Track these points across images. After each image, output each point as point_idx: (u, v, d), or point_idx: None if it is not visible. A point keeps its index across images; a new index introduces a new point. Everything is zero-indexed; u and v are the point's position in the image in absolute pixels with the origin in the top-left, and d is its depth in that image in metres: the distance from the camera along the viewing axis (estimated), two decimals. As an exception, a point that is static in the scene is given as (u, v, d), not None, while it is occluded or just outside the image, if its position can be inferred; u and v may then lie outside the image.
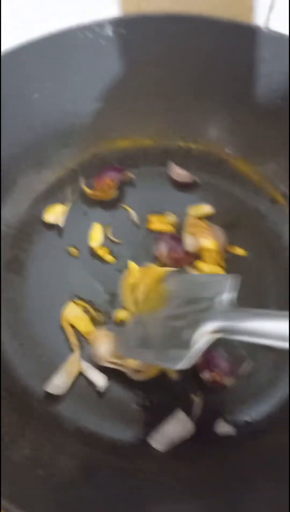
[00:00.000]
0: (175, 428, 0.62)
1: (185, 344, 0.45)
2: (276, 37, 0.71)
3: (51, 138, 0.78)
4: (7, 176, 0.74)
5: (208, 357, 0.61)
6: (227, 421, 0.62)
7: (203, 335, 0.45)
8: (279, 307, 0.71)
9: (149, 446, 0.60)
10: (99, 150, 0.83)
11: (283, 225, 0.78)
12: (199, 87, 0.80)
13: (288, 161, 0.78)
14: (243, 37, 0.73)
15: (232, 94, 0.79)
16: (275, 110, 0.77)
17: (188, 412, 0.62)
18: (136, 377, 0.63)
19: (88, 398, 0.63)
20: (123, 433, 0.62)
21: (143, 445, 0.60)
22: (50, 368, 0.65)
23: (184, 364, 0.45)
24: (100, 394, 0.63)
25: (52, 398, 0.63)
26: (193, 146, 0.84)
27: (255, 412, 0.63)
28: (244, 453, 0.57)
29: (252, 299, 0.71)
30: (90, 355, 0.65)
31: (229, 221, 0.77)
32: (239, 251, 0.75)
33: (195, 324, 0.45)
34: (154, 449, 0.60)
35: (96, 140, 0.82)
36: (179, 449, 0.59)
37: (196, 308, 0.49)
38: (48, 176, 0.79)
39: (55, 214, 0.75)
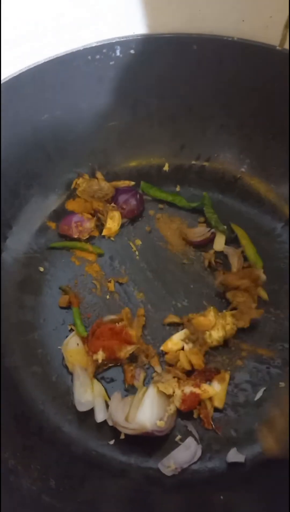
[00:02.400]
0: (185, 454, 0.61)
1: None
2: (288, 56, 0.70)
3: (61, 160, 0.79)
4: (14, 201, 0.75)
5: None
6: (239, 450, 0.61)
7: None
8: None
9: (157, 471, 0.60)
10: (112, 169, 0.83)
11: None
12: (212, 107, 0.79)
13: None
14: (257, 56, 0.72)
15: (246, 114, 0.78)
16: (288, 130, 0.75)
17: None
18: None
19: (94, 423, 0.63)
20: (132, 458, 0.61)
21: (151, 470, 0.60)
22: (62, 388, 0.65)
23: None
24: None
25: (60, 419, 0.63)
26: (206, 164, 0.84)
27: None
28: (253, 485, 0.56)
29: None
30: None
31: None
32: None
33: None
34: (162, 475, 0.59)
35: (108, 160, 0.83)
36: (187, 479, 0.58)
37: None
38: (55, 201, 0.80)
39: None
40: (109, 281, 0.74)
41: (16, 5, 0.64)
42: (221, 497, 0.55)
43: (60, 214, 0.79)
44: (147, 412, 0.60)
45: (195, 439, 0.61)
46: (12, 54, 0.67)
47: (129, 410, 0.61)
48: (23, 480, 0.52)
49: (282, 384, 0.65)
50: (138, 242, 0.78)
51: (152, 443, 0.62)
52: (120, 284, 0.74)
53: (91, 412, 0.63)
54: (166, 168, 0.84)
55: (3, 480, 0.52)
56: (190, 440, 0.62)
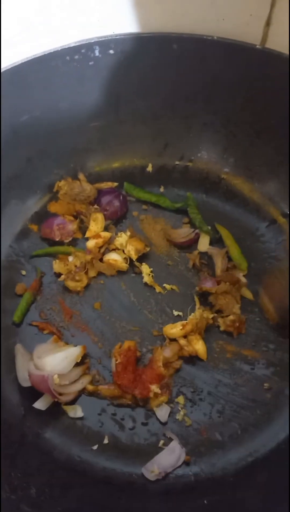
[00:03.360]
0: (169, 458, 0.60)
1: None
2: (271, 54, 0.70)
3: (41, 161, 0.77)
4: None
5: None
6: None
7: None
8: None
9: (141, 477, 0.59)
10: (94, 170, 0.82)
11: (282, 248, 0.75)
12: (194, 105, 0.78)
13: (289, 178, 0.76)
14: (237, 55, 0.71)
15: (230, 111, 0.78)
16: (273, 127, 0.75)
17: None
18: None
19: (77, 428, 0.63)
20: (116, 463, 0.60)
21: (135, 476, 0.59)
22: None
23: None
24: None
25: (42, 426, 0.62)
26: (190, 164, 0.83)
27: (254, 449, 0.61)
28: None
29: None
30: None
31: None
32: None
33: None
34: (146, 481, 0.58)
35: (90, 161, 0.82)
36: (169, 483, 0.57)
37: None
38: (36, 203, 0.79)
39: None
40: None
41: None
42: (205, 502, 0.55)
43: (42, 216, 0.78)
44: (56, 359, 0.62)
45: (179, 443, 0.61)
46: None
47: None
48: (2, 490, 0.51)
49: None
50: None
51: (137, 448, 0.61)
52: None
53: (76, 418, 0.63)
54: (149, 168, 0.83)
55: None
56: (174, 444, 0.61)
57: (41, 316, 0.71)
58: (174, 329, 0.67)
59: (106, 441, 0.62)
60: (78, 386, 0.64)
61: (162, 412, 0.63)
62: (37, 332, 0.70)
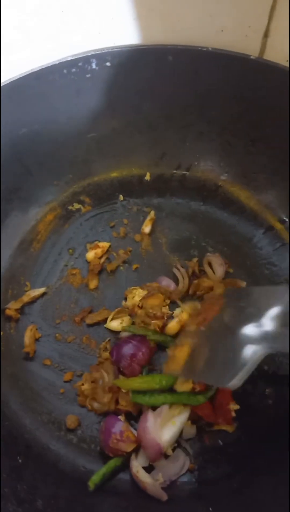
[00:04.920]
0: (173, 466, 0.61)
1: (236, 363, 0.46)
2: (266, 65, 0.71)
3: (41, 173, 0.78)
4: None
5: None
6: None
7: (254, 355, 0.46)
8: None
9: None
10: (93, 181, 0.83)
11: (279, 252, 0.77)
12: (191, 115, 0.79)
13: (289, 186, 0.77)
14: (232, 66, 0.72)
15: (226, 121, 0.79)
16: (268, 135, 0.76)
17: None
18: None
19: (82, 439, 0.63)
20: (121, 473, 0.60)
21: (140, 485, 0.59)
22: (48, 406, 0.65)
23: (235, 382, 0.46)
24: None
25: (47, 437, 0.63)
26: (187, 173, 0.84)
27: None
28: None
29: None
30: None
31: (226, 249, 0.77)
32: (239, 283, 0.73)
33: (246, 342, 0.46)
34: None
35: (89, 172, 0.83)
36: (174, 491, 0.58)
37: (248, 322, 0.48)
38: (36, 214, 0.79)
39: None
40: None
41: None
42: (210, 509, 0.55)
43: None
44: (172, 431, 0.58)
45: (183, 450, 0.61)
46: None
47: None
48: (9, 504, 0.51)
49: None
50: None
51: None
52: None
53: (78, 427, 0.63)
54: (147, 178, 0.84)
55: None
56: (178, 452, 0.61)
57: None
58: (171, 324, 0.67)
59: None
60: None
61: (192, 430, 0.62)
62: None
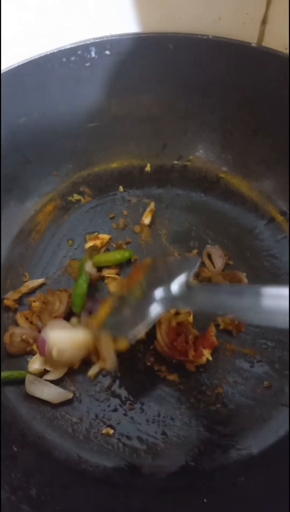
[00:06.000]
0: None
1: (139, 318, 0.54)
2: (267, 53, 0.70)
3: (40, 163, 0.78)
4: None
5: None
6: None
7: (154, 312, 0.53)
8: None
9: (141, 476, 0.59)
10: (93, 171, 0.83)
11: (281, 245, 0.75)
12: (192, 104, 0.78)
13: (289, 177, 0.76)
14: (233, 54, 0.71)
15: (227, 110, 0.78)
16: (270, 125, 0.75)
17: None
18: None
19: (77, 428, 0.63)
20: (116, 463, 0.60)
21: (135, 475, 0.59)
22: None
23: (134, 333, 0.52)
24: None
25: (43, 425, 0.62)
26: (188, 164, 0.83)
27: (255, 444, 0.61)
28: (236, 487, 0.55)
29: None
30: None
31: (226, 241, 0.76)
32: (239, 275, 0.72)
33: (152, 301, 0.53)
34: (145, 480, 0.58)
35: (89, 162, 0.82)
36: (169, 482, 0.57)
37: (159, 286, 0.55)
38: (35, 204, 0.79)
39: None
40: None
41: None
42: (205, 500, 0.55)
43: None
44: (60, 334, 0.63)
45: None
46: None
47: None
48: (2, 491, 0.51)
49: None
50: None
51: (137, 448, 0.61)
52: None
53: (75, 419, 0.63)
54: (148, 168, 0.83)
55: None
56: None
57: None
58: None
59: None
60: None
61: None
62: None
